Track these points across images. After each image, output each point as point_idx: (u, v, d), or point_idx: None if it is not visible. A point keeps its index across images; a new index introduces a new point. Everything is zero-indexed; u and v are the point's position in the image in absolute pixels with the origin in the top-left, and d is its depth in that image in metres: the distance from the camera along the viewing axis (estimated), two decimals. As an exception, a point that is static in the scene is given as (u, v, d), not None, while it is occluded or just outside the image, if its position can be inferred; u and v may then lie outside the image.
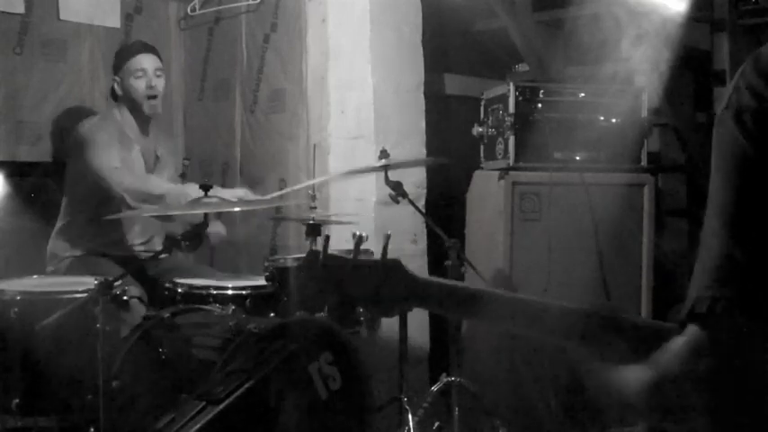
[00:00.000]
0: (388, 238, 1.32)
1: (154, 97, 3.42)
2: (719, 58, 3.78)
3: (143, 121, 3.48)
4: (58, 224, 3.47)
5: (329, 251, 1.29)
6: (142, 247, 3.51)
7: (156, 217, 3.53)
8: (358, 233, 1.31)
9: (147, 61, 3.44)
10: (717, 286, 0.88)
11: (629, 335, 1.09)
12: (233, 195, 3.26)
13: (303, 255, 2.99)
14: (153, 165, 3.52)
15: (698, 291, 0.90)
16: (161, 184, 3.35)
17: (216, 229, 3.41)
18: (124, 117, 3.46)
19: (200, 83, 4.31)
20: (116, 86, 3.44)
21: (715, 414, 0.92)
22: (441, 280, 1.32)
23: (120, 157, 3.31)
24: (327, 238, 1.34)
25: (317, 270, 1.27)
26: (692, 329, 0.91)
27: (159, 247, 3.53)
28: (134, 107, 3.44)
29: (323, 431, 2.61)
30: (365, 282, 1.26)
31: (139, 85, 3.40)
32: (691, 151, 3.95)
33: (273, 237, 3.91)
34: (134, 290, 3.05)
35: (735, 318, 0.87)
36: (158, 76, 3.44)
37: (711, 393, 0.90)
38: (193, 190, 3.29)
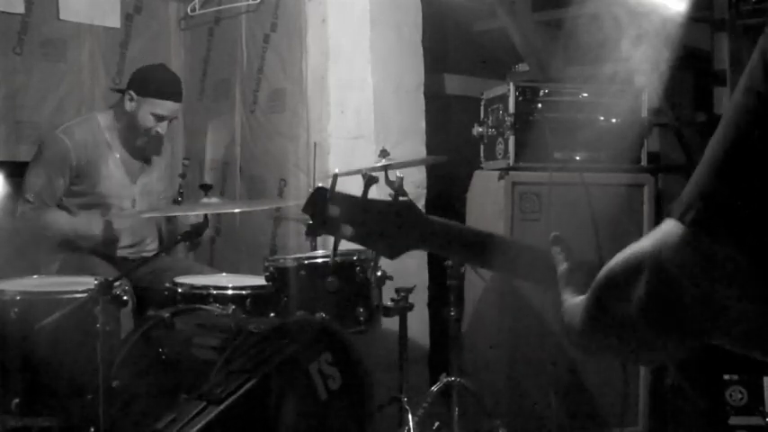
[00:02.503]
0: (401, 180, 1.28)
1: (153, 136, 3.41)
2: (719, 58, 3.78)
3: (133, 142, 3.44)
4: None
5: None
6: (132, 249, 3.48)
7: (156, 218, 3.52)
8: (369, 174, 1.27)
9: (171, 110, 3.41)
10: (696, 196, 0.85)
11: None
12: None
13: (303, 255, 2.99)
14: (138, 171, 3.50)
15: (682, 197, 0.88)
16: (57, 221, 3.31)
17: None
18: (121, 123, 3.42)
19: (200, 83, 4.31)
20: (128, 103, 3.36)
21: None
22: (452, 222, 1.30)
23: (46, 184, 3.28)
24: (335, 175, 1.26)
25: (323, 206, 1.21)
26: (671, 222, 0.88)
27: (152, 247, 3.54)
28: (131, 132, 3.41)
29: (323, 431, 2.61)
30: (376, 220, 1.22)
31: (150, 124, 3.36)
32: (691, 151, 3.94)
33: (273, 237, 3.90)
34: None
35: (703, 231, 0.84)
36: (167, 123, 3.42)
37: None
38: (96, 225, 3.30)
